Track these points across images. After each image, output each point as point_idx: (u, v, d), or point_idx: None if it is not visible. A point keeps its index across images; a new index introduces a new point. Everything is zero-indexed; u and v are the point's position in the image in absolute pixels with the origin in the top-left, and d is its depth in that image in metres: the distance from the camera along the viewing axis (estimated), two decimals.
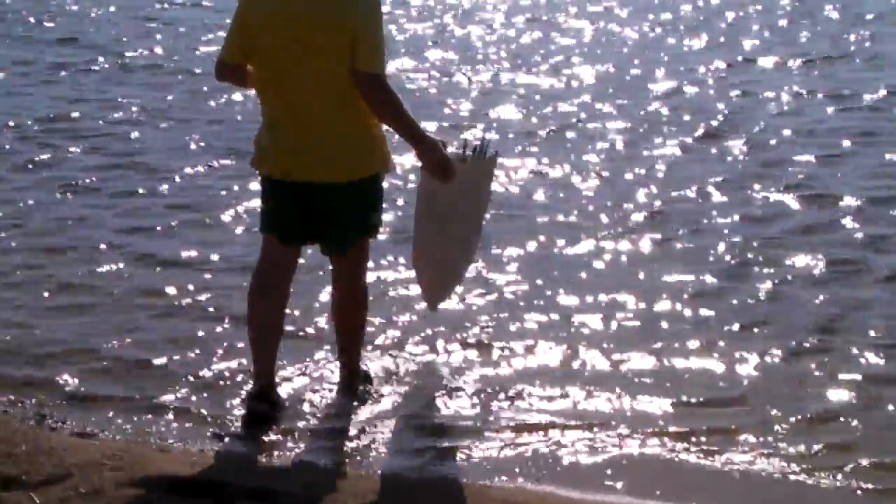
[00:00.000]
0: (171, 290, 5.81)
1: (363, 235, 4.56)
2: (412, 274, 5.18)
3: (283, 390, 4.74)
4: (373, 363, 5.03)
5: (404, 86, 9.96)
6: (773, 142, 8.49)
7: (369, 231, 4.56)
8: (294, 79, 4.28)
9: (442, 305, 5.14)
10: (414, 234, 4.84)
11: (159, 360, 5.04)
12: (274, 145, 4.40)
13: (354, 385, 4.77)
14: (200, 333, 5.32)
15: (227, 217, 6.91)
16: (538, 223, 6.85)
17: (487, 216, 5.20)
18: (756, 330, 5.40)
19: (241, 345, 5.07)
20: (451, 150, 4.65)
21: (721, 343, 5.26)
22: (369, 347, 5.11)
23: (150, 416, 4.60)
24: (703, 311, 5.61)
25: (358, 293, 4.68)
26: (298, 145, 4.35)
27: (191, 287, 5.83)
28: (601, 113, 9.40)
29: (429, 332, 5.34)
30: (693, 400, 4.77)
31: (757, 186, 7.44)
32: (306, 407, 4.69)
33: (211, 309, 5.58)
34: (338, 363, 4.86)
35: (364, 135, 4.37)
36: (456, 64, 11.23)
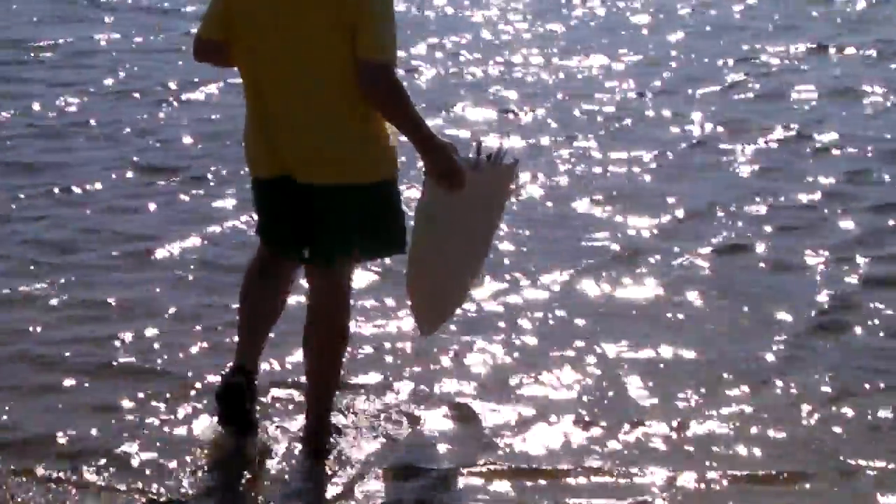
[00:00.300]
0: (98, 344, 5.74)
1: (359, 242, 4.73)
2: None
3: (247, 452, 4.85)
4: (363, 418, 5.09)
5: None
6: (854, 149, 8.65)
7: (365, 236, 4.72)
8: (290, 69, 4.50)
9: (450, 353, 5.35)
10: (410, 247, 4.96)
11: (77, 433, 4.99)
12: (268, 144, 4.64)
13: (321, 441, 4.88)
14: (129, 401, 5.24)
15: (171, 251, 6.88)
16: (568, 248, 6.88)
17: (500, 234, 5.23)
18: (853, 389, 5.37)
19: (182, 412, 5.13)
20: (462, 154, 4.76)
21: (808, 405, 5.23)
22: (363, 403, 5.21)
23: (69, 489, 4.60)
24: (784, 365, 5.59)
25: (337, 321, 4.82)
26: (296, 144, 4.58)
27: (124, 340, 5.77)
28: (648, 111, 9.54)
29: (437, 390, 5.34)
30: (764, 473, 4.74)
31: (845, 206, 7.53)
32: (272, 472, 4.75)
33: (152, 367, 5.52)
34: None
35: (371, 135, 4.58)
36: (463, 53, 11.40)
